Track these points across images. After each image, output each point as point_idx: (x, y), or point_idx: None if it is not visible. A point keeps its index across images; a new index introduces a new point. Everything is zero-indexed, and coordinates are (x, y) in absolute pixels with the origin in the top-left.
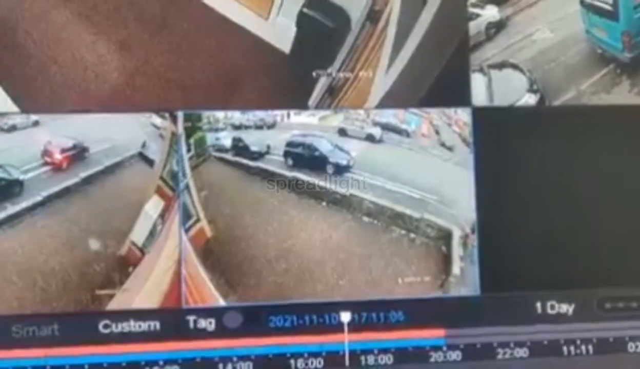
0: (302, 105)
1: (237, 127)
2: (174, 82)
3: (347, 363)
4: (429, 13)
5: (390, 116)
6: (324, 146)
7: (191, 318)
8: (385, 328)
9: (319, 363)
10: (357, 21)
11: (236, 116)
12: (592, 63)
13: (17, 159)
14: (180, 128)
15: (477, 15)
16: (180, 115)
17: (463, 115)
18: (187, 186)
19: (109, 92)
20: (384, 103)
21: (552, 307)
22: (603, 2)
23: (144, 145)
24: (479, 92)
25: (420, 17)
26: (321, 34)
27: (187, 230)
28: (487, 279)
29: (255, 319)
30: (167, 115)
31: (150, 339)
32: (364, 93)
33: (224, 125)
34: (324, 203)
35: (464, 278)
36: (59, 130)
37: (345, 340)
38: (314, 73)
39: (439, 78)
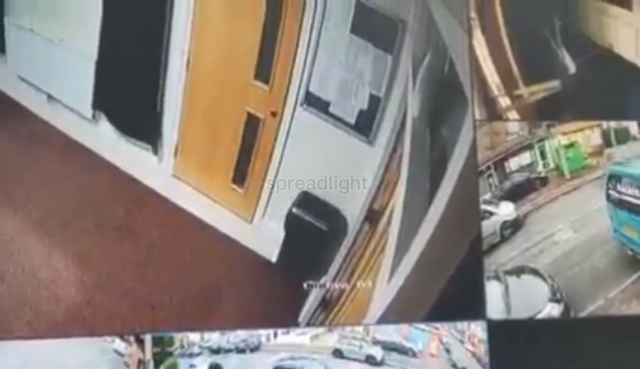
0: (292, 322)
1: (215, 351)
2: (141, 299)
3: None
4: (436, 212)
5: (393, 333)
6: None
7: None
8: None
9: None
10: (354, 223)
11: (214, 338)
12: (622, 267)
13: None
14: (148, 355)
15: (491, 214)
16: (148, 338)
17: (477, 330)
18: None
19: (64, 312)
20: (385, 318)
21: None
22: (632, 197)
23: None
24: (494, 302)
25: (427, 216)
26: (313, 238)
27: None
28: None
29: None
30: (132, 339)
31: None
32: (363, 307)
33: (199, 350)
34: None
35: None
36: (3, 360)
37: None
38: (304, 285)
39: (448, 287)
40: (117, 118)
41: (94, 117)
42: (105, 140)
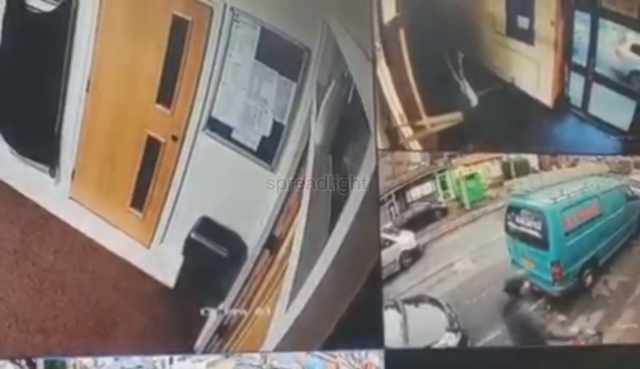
0: (188, 349)
1: None
2: (34, 323)
3: None
4: (336, 240)
5: (290, 361)
6: None
7: None
8: None
9: None
10: (253, 249)
11: (108, 363)
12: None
13: None
14: None
15: (391, 243)
16: (40, 362)
17: (375, 359)
18: None
19: None
20: (283, 346)
21: None
22: (530, 229)
23: None
24: (392, 331)
25: (327, 244)
26: (212, 264)
27: None
28: None
29: None
30: (24, 363)
31: None
32: (261, 334)
33: None
34: None
35: None
36: None
37: None
38: (202, 311)
39: (347, 316)
40: (14, 139)
41: None
42: (1, 160)
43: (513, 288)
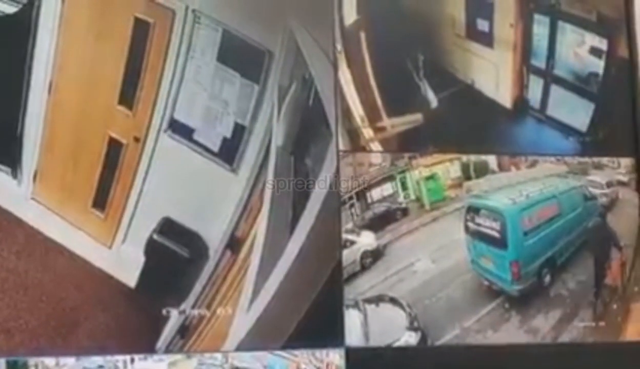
0: (149, 349)
1: None
2: None
3: None
4: (298, 240)
5: (252, 360)
6: None
7: None
8: None
9: None
10: (215, 249)
11: (70, 363)
12: (478, 298)
13: None
14: None
15: (352, 243)
16: (1, 362)
17: (335, 358)
18: None
19: None
20: (245, 345)
21: None
22: (489, 229)
23: None
24: (353, 330)
25: (288, 244)
26: (173, 265)
27: None
28: None
29: None
30: None
31: None
32: (222, 334)
33: None
34: None
35: None
36: None
37: None
38: (163, 311)
39: (308, 315)
40: None
41: None
42: None
43: None
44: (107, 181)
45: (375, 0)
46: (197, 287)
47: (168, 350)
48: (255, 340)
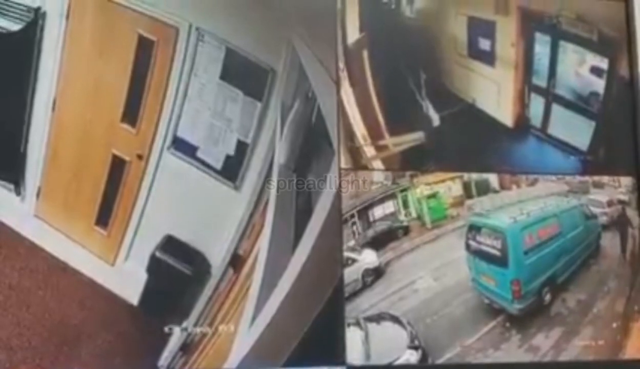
0: (151, 366)
1: None
2: None
3: None
4: (300, 258)
5: None
6: None
7: None
8: None
9: None
10: (218, 267)
11: None
12: (479, 316)
13: None
14: None
15: (354, 261)
16: None
17: None
18: None
19: None
20: (247, 363)
21: None
22: (491, 247)
23: None
24: (354, 348)
25: (290, 262)
26: (176, 282)
27: None
28: None
29: None
30: None
31: None
32: (224, 352)
33: None
34: None
35: None
36: None
37: None
38: (166, 329)
39: (310, 333)
40: None
41: None
42: None
43: None
44: (110, 198)
45: (377, 19)
46: (200, 305)
47: (170, 368)
48: (257, 358)
